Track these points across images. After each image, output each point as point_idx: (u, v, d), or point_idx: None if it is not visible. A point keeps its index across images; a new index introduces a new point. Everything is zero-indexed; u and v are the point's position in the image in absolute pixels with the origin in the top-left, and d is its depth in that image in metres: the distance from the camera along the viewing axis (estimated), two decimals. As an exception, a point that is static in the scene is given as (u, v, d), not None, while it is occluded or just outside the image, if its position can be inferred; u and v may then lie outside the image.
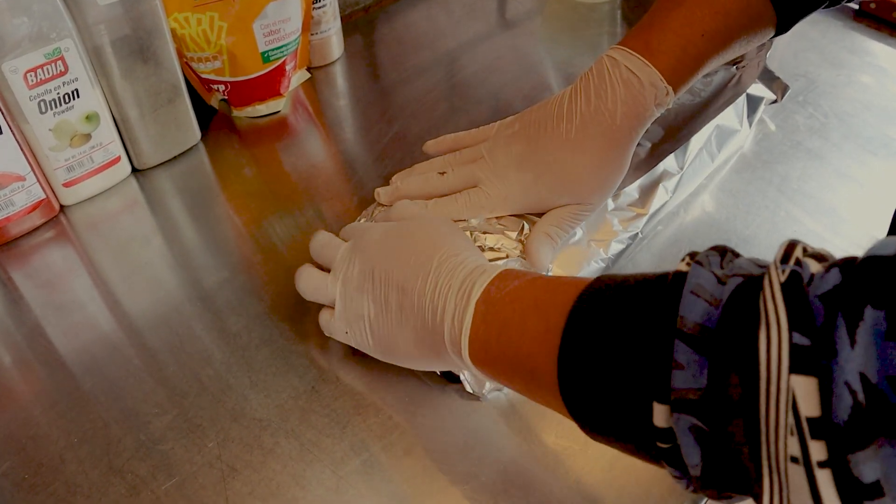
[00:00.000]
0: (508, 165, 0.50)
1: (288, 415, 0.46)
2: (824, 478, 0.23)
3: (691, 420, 0.27)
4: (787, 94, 0.66)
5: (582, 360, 0.33)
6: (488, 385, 0.46)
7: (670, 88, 0.48)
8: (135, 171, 0.64)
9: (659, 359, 0.28)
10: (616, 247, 0.52)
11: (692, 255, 0.30)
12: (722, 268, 0.30)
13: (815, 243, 0.56)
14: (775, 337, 0.25)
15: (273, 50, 0.66)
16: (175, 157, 0.65)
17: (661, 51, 0.48)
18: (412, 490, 0.43)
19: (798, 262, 0.26)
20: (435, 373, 0.48)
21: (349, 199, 0.62)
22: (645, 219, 0.53)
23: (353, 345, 0.47)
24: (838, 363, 0.23)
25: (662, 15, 0.49)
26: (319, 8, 0.70)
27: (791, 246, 0.27)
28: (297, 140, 0.69)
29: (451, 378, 0.47)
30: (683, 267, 0.30)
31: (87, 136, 0.58)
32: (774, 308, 0.25)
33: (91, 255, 0.59)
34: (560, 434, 0.45)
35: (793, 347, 0.24)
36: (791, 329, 0.24)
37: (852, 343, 0.23)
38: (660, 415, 0.28)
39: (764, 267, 0.29)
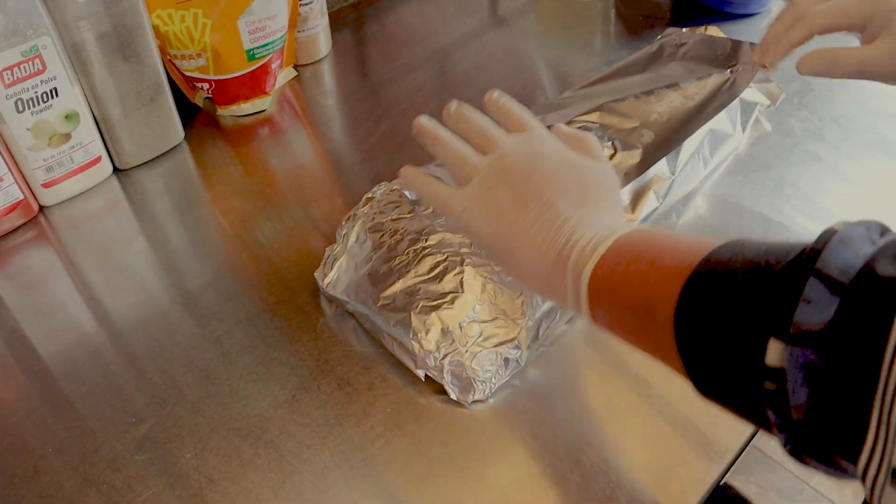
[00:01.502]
0: None
1: (268, 424, 0.45)
2: None
3: (806, 354, 0.27)
4: (783, 96, 0.65)
5: (704, 295, 0.32)
6: (473, 394, 0.45)
7: None
8: (116, 171, 0.63)
9: (787, 294, 0.28)
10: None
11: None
12: (880, 236, 0.29)
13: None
14: None
15: (259, 47, 0.65)
16: (157, 157, 0.64)
17: None
18: (395, 503, 0.42)
19: None
20: (420, 379, 0.47)
21: (337, 198, 0.61)
22: (635, 224, 0.52)
23: (457, 222, 0.44)
24: None
25: None
26: (306, 5, 0.69)
27: None
28: (283, 139, 0.68)
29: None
30: (838, 226, 0.29)
31: (67, 136, 0.57)
32: None
33: (71, 257, 0.57)
34: (544, 444, 0.44)
35: None
36: None
37: None
38: (774, 352, 0.28)
39: None
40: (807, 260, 0.28)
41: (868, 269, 0.26)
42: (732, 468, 0.45)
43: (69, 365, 0.49)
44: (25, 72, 0.52)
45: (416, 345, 0.45)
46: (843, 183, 0.61)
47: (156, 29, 0.60)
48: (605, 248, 0.38)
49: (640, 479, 0.43)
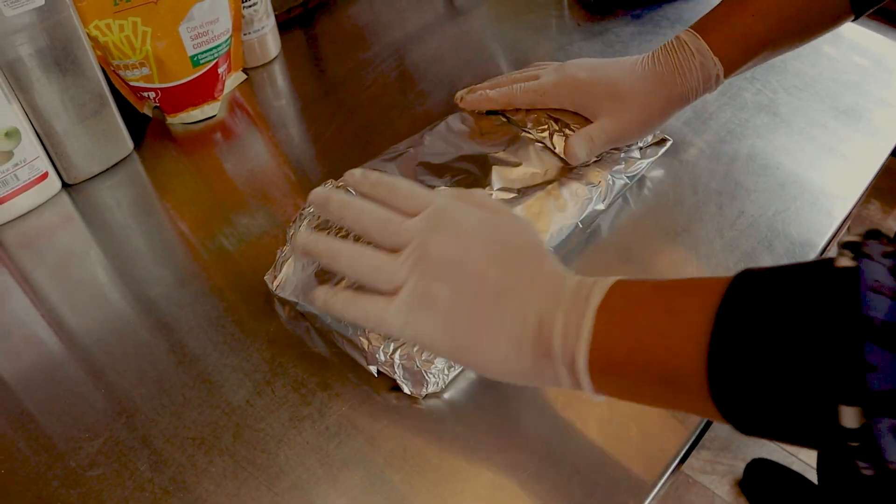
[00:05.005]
0: (570, 66, 0.56)
1: (222, 432, 0.45)
2: None
3: (892, 422, 0.26)
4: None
5: (742, 364, 0.30)
6: (426, 388, 0.45)
7: (718, 60, 0.52)
8: (66, 185, 0.62)
9: (847, 361, 0.27)
10: (557, 236, 0.50)
11: (847, 245, 0.29)
12: (884, 256, 0.28)
13: (766, 220, 0.55)
14: None
15: (203, 53, 0.64)
16: (108, 169, 0.63)
17: (711, 27, 0.52)
18: (351, 502, 0.42)
19: None
20: (373, 376, 0.46)
21: (293, 200, 0.60)
22: (590, 205, 0.52)
23: (404, 337, 0.39)
24: None
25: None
26: (250, 7, 0.68)
27: None
28: (237, 144, 0.67)
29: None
30: (847, 262, 0.28)
31: (9, 154, 0.56)
32: None
33: (25, 275, 0.57)
34: (500, 435, 0.44)
35: None
36: None
37: None
38: (850, 416, 0.27)
39: None
40: (847, 314, 0.27)
41: None
42: (698, 447, 0.45)
43: (23, 383, 0.49)
44: (-40, 91, 0.51)
45: (364, 340, 0.45)
46: (796, 155, 0.61)
47: (94, 40, 0.59)
48: (590, 325, 0.34)
49: (599, 462, 0.43)
